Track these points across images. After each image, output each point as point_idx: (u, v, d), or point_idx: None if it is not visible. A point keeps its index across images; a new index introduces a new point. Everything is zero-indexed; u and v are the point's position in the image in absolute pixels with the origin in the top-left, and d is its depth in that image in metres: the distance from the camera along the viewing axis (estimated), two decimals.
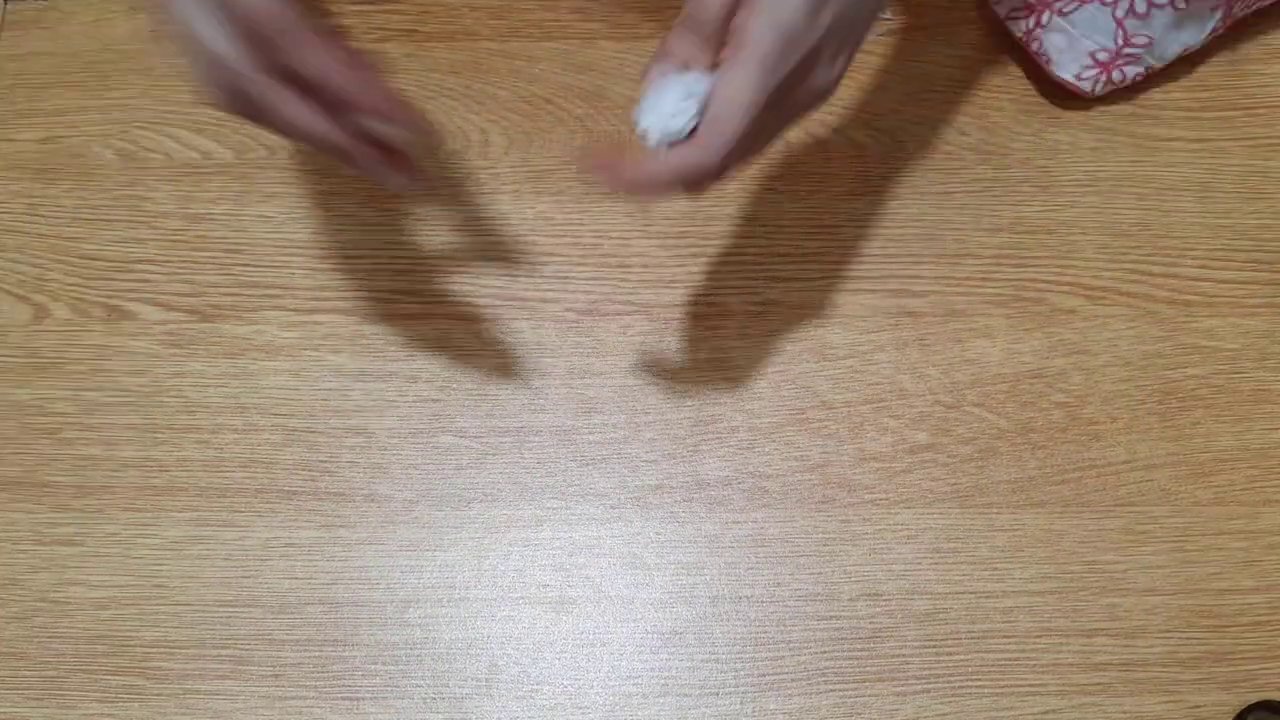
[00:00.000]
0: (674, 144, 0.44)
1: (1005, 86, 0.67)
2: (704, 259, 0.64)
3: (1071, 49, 0.64)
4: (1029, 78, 0.67)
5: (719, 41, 0.43)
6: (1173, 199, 0.65)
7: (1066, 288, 0.63)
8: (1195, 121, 0.67)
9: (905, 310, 0.63)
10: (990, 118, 0.67)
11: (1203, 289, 0.63)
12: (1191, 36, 0.64)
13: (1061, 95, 0.66)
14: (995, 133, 0.66)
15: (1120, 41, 0.63)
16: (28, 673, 0.57)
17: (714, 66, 0.44)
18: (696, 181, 0.44)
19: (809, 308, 0.63)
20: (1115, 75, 0.64)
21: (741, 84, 0.42)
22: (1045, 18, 0.64)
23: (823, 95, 0.48)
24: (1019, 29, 0.66)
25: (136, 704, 0.56)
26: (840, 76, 0.48)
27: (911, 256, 0.64)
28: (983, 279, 0.63)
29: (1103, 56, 0.63)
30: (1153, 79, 0.66)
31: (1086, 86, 0.65)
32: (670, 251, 0.64)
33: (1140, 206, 0.65)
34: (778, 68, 0.43)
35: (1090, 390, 0.61)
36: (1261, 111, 0.67)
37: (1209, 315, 0.63)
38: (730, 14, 0.43)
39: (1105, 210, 0.65)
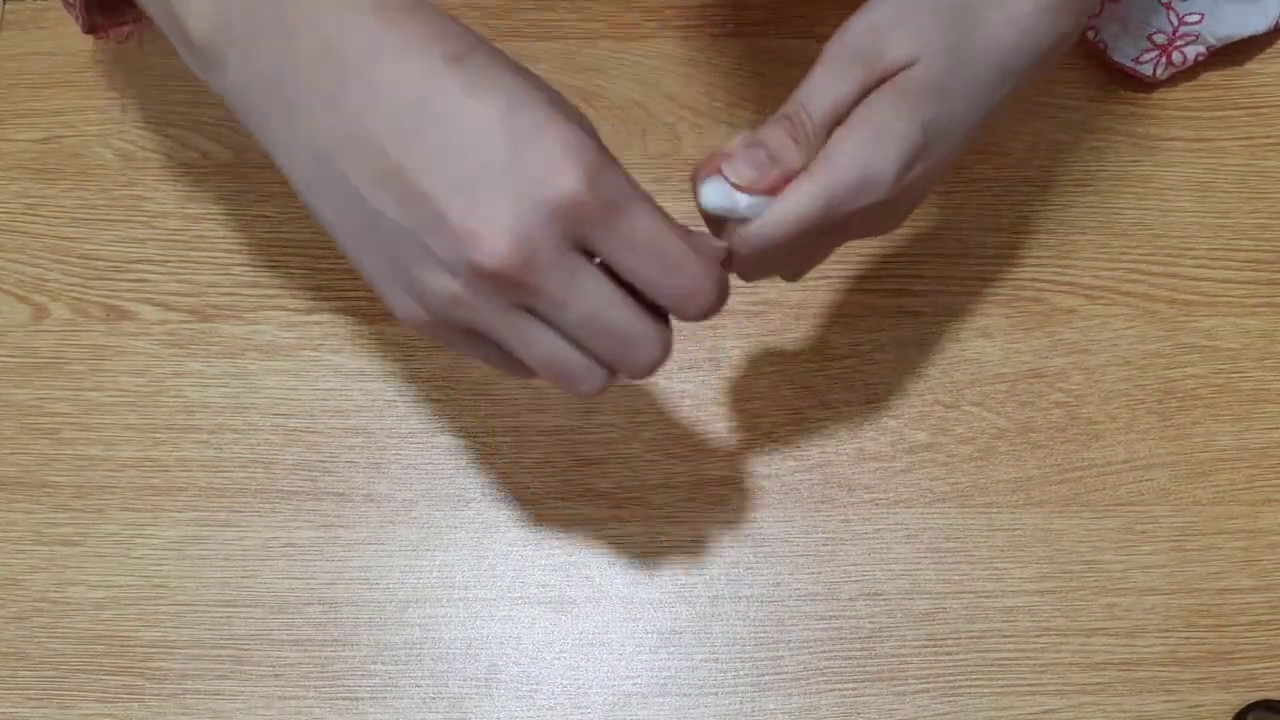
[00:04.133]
0: (724, 217, 0.43)
1: None
2: None
3: (1127, 34, 0.64)
4: (1096, 68, 0.67)
5: (815, 148, 0.41)
6: (1172, 198, 0.65)
7: (1066, 287, 0.63)
8: (1195, 121, 0.67)
9: (905, 310, 0.63)
10: None
11: (1202, 289, 0.63)
12: (1254, 20, 0.64)
13: (1127, 83, 0.66)
14: (995, 132, 0.66)
15: (1175, 22, 0.63)
16: (27, 673, 0.57)
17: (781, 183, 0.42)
18: (746, 266, 0.44)
19: (809, 308, 0.63)
20: (1175, 57, 0.64)
21: (799, 201, 0.41)
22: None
23: (883, 232, 0.47)
24: None
25: (136, 704, 0.56)
26: (904, 220, 0.47)
27: (911, 256, 0.64)
28: (982, 279, 0.63)
29: (1160, 39, 0.64)
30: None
31: (1147, 70, 0.65)
32: None
33: (1139, 206, 0.65)
34: (843, 204, 0.41)
35: (1090, 390, 0.61)
36: (1261, 111, 0.67)
37: (1209, 315, 0.63)
38: (835, 123, 0.42)
39: (1104, 210, 0.65)
